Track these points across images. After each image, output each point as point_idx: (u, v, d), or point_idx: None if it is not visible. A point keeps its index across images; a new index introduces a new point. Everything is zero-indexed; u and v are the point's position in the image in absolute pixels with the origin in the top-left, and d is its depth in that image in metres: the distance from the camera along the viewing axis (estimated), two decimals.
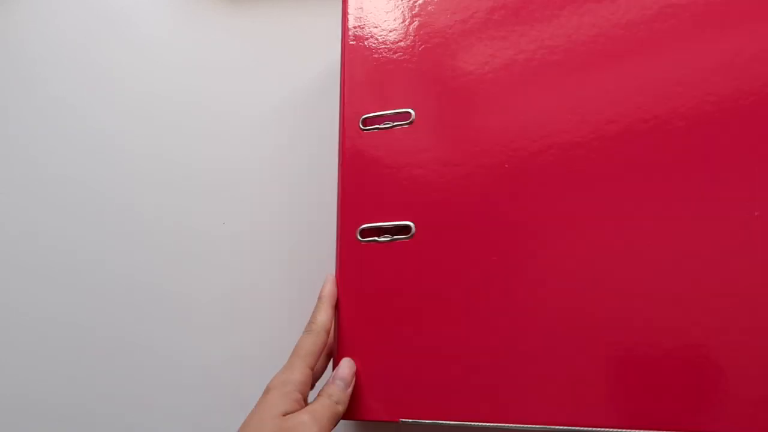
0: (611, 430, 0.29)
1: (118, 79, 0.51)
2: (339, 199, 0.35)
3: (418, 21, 0.36)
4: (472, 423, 0.31)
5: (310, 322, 0.35)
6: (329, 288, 0.36)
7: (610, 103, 0.32)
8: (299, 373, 0.33)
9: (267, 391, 0.32)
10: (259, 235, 0.45)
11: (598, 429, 0.29)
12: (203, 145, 0.48)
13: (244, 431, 0.31)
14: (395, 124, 0.35)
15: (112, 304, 0.46)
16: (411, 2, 0.37)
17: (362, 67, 0.37)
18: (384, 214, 0.34)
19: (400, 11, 0.37)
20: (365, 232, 0.35)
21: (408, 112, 0.35)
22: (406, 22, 0.37)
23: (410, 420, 0.32)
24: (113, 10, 0.52)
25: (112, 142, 0.49)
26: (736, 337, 0.28)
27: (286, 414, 0.31)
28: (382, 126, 0.35)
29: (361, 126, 0.36)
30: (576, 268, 0.31)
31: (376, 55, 0.37)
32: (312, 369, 0.34)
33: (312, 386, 0.34)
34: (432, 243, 0.33)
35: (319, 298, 0.35)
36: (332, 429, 0.32)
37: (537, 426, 0.30)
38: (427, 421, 0.32)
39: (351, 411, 0.33)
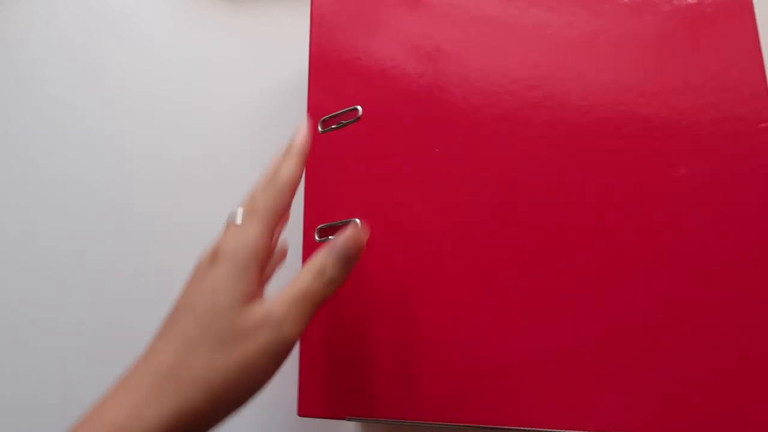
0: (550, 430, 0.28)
1: (118, 79, 0.51)
2: (304, 201, 0.36)
3: (375, 21, 0.37)
4: (424, 423, 0.30)
5: (270, 175, 0.26)
6: (302, 139, 0.27)
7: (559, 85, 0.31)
8: (259, 235, 0.23)
9: (215, 257, 0.23)
10: None
11: (546, 430, 0.28)
12: (203, 145, 0.48)
13: (186, 319, 0.22)
14: (345, 122, 0.35)
15: (112, 304, 0.46)
16: (369, 7, 0.37)
17: (323, 71, 0.38)
18: (336, 213, 0.34)
19: (359, 15, 0.37)
20: (323, 232, 0.35)
21: (355, 109, 0.35)
22: (363, 25, 0.37)
23: (357, 418, 0.31)
24: (113, 10, 0.52)
25: (112, 142, 0.49)
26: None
27: (246, 301, 0.22)
28: (335, 126, 0.36)
29: (320, 128, 0.36)
30: (521, 256, 0.30)
31: (335, 58, 0.37)
32: (273, 232, 0.25)
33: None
34: (379, 243, 0.33)
35: (288, 149, 0.27)
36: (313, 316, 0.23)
37: (487, 426, 0.29)
38: (373, 420, 0.31)
39: (297, 408, 0.33)
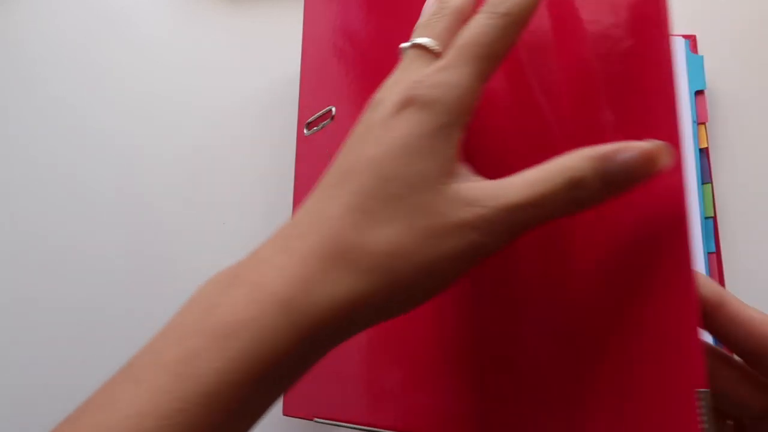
0: None
1: (118, 79, 0.50)
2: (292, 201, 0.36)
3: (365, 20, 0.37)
4: (379, 429, 0.28)
5: (494, 2, 0.17)
6: None
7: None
8: (471, 85, 0.16)
9: (409, 102, 0.17)
10: (262, 236, 0.45)
11: None
12: (203, 145, 0.48)
13: (368, 180, 0.17)
14: (323, 123, 0.36)
15: (114, 305, 0.46)
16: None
17: (311, 74, 0.38)
18: None
19: (345, 19, 0.37)
20: None
21: (329, 110, 0.35)
22: (347, 28, 0.37)
23: (323, 420, 0.30)
24: (113, 10, 0.52)
25: (112, 142, 0.49)
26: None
27: (448, 179, 0.16)
28: (316, 128, 0.36)
29: (305, 131, 0.37)
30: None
31: (320, 61, 0.37)
32: (485, 84, 0.17)
33: None
34: None
35: None
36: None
37: None
38: (330, 422, 0.30)
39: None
